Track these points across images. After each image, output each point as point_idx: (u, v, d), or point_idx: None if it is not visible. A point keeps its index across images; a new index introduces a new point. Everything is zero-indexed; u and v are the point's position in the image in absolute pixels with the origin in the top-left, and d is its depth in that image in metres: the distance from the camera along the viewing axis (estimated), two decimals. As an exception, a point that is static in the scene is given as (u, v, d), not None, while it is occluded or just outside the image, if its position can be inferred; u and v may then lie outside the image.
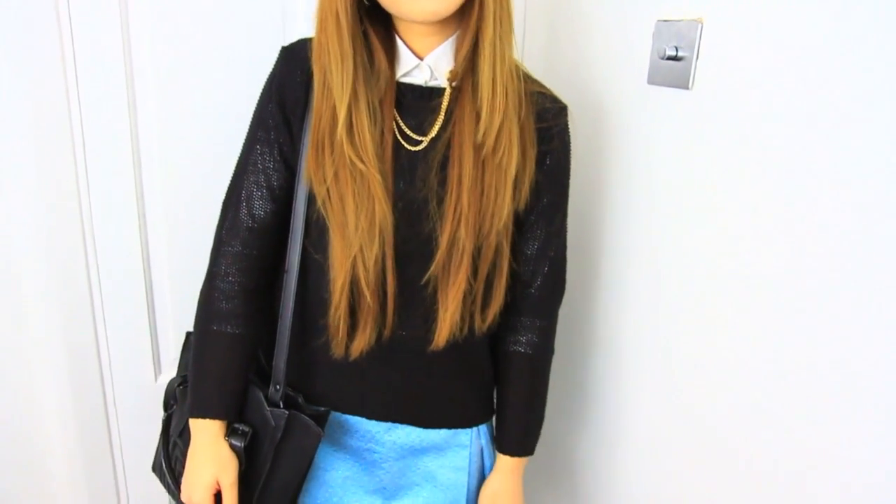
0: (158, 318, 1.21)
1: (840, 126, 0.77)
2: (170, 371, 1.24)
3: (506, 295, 0.98)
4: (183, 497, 0.99)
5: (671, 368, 1.10)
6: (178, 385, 1.06)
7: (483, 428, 1.08)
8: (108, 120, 1.10)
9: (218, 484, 0.96)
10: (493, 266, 0.96)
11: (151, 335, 1.21)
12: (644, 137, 1.07)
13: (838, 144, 0.77)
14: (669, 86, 0.99)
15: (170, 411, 1.08)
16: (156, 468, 1.14)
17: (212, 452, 0.95)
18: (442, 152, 0.92)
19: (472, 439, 1.06)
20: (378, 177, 0.88)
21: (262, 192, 0.95)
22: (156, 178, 1.16)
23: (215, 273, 0.96)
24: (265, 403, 0.97)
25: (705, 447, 1.06)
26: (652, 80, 1.03)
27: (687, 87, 0.96)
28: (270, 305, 1.01)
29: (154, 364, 1.22)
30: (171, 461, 1.06)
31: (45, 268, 1.11)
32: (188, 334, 1.05)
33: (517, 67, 0.93)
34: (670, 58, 0.97)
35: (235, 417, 0.98)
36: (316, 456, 1.02)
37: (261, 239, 0.96)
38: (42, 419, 1.19)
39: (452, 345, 0.96)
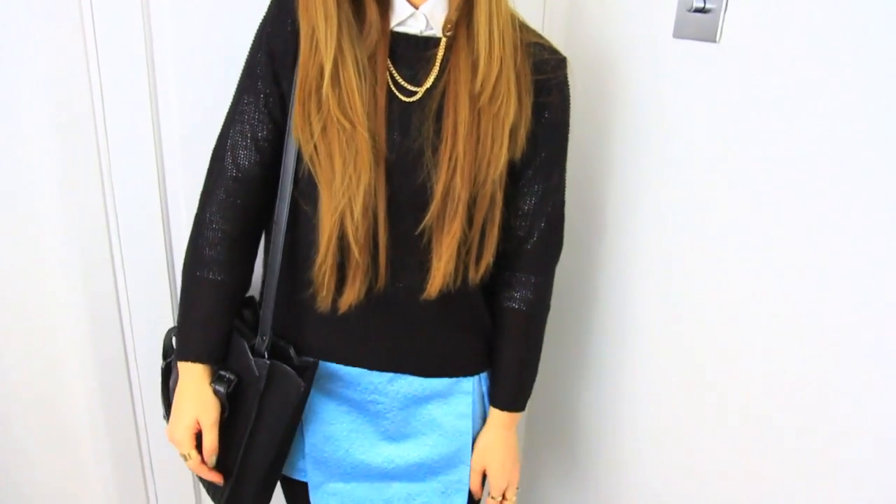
0: (177, 264, 1.22)
1: (876, 82, 0.75)
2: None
3: (498, 246, 0.98)
4: (167, 436, 1.02)
5: (674, 320, 1.10)
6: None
7: (484, 375, 1.10)
8: (125, 50, 1.09)
9: (199, 424, 0.99)
10: (487, 216, 0.95)
11: (170, 281, 1.22)
12: (670, 92, 1.05)
13: (874, 102, 0.75)
14: (696, 39, 0.98)
15: (168, 360, 1.10)
16: (166, 417, 1.16)
17: (194, 394, 0.98)
18: (437, 101, 0.91)
19: (475, 386, 1.08)
20: (365, 135, 0.88)
21: (246, 143, 0.95)
22: (174, 121, 1.15)
23: (201, 220, 0.98)
24: (249, 353, 0.98)
25: (706, 399, 1.06)
26: (678, 34, 1.01)
27: (714, 41, 0.94)
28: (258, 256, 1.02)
29: (173, 310, 1.23)
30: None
31: (63, 216, 1.12)
32: None
33: (513, 16, 0.93)
34: (697, 10, 0.95)
35: (219, 363, 1.00)
36: (321, 410, 1.05)
37: (245, 188, 0.97)
38: (62, 368, 1.21)
39: (446, 295, 0.97)
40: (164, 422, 1.09)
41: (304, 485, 1.11)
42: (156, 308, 1.23)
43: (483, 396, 1.10)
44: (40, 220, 1.12)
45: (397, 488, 1.10)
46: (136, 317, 1.22)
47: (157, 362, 1.12)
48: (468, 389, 1.07)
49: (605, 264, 1.25)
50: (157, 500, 1.37)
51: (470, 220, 0.94)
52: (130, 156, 1.14)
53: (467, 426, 1.08)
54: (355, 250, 0.91)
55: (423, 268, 0.95)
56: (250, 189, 0.97)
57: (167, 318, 1.24)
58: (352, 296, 0.94)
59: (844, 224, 0.80)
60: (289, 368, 0.96)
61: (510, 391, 1.08)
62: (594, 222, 1.26)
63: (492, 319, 1.08)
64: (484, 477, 1.11)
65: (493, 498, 1.11)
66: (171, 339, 1.09)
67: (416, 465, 1.08)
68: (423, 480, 1.10)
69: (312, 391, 1.01)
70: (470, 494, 1.12)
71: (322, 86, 0.87)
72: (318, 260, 0.92)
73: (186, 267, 0.99)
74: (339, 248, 0.91)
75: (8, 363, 1.16)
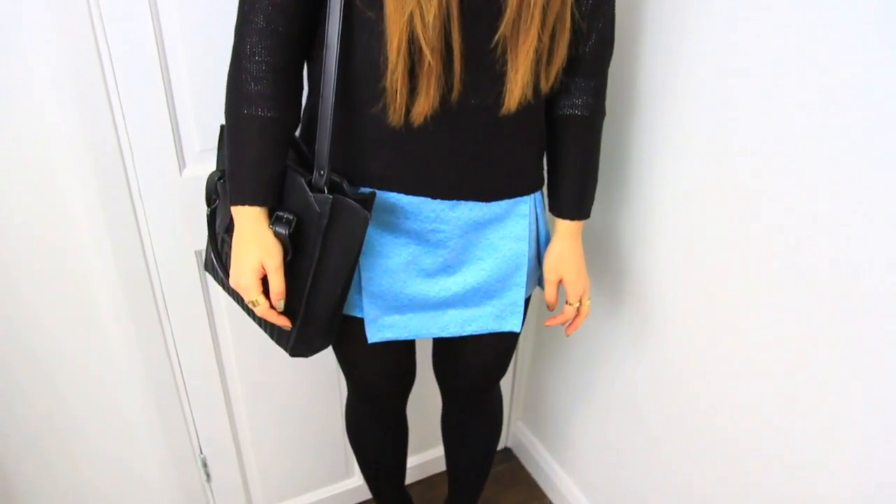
0: (178, 108, 1.18)
1: None
2: (193, 164, 1.24)
3: (568, 50, 0.96)
4: (231, 283, 1.00)
5: (707, 144, 1.10)
6: (218, 179, 1.06)
7: (538, 196, 1.10)
8: None
9: (263, 268, 0.97)
10: (558, 18, 0.92)
11: (173, 127, 1.19)
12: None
13: None
14: None
15: (213, 206, 1.07)
16: (207, 266, 1.15)
17: (256, 237, 0.96)
18: None
19: (531, 207, 1.08)
20: None
21: None
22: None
23: (241, 53, 0.92)
24: (308, 190, 0.95)
25: (735, 215, 1.07)
26: None
27: None
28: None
29: (178, 157, 1.21)
30: (221, 257, 1.08)
31: (58, 65, 1.07)
32: (222, 128, 1.02)
33: None
34: None
35: (275, 203, 0.97)
36: (377, 244, 1.03)
37: (286, 13, 0.91)
38: (70, 223, 1.19)
39: (521, 109, 0.95)
40: (204, 273, 1.04)
41: (359, 321, 1.11)
42: (153, 123, 1.18)
43: (538, 218, 1.11)
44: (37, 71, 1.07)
45: (452, 315, 1.12)
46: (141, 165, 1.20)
47: (159, 185, 1.10)
48: (524, 212, 1.07)
49: (646, 69, 1.23)
50: (175, 346, 1.39)
51: (542, 26, 0.90)
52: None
53: (523, 249, 1.09)
54: (427, 52, 0.86)
55: (498, 83, 0.93)
56: (291, 13, 0.91)
57: (164, 123, 1.18)
58: (426, 104, 0.90)
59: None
60: (352, 202, 0.92)
61: (575, 200, 1.09)
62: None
63: (548, 133, 1.07)
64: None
65: (570, 304, 1.15)
66: (213, 183, 1.06)
67: (472, 291, 1.09)
68: (478, 305, 1.12)
69: (370, 224, 0.98)
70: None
71: None
72: (390, 66, 0.88)
73: (230, 106, 0.95)
74: (409, 53, 0.87)
75: (14, 219, 1.15)
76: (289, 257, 0.97)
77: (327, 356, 1.55)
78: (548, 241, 1.15)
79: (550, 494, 1.91)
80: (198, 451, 1.55)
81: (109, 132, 1.15)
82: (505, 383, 1.77)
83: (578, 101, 1.04)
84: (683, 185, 1.18)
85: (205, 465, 1.57)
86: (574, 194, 1.09)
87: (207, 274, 1.34)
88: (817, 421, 1.03)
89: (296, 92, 0.98)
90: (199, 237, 1.28)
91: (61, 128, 1.12)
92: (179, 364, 1.41)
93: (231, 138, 0.96)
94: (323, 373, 1.60)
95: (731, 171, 1.07)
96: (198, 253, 1.31)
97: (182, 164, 1.23)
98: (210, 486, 1.62)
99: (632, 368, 1.44)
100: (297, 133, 1.05)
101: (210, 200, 1.09)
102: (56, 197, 1.17)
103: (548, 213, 1.15)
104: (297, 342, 1.03)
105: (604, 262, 1.43)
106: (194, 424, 1.50)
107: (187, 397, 1.45)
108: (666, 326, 1.30)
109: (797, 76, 0.93)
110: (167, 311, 1.34)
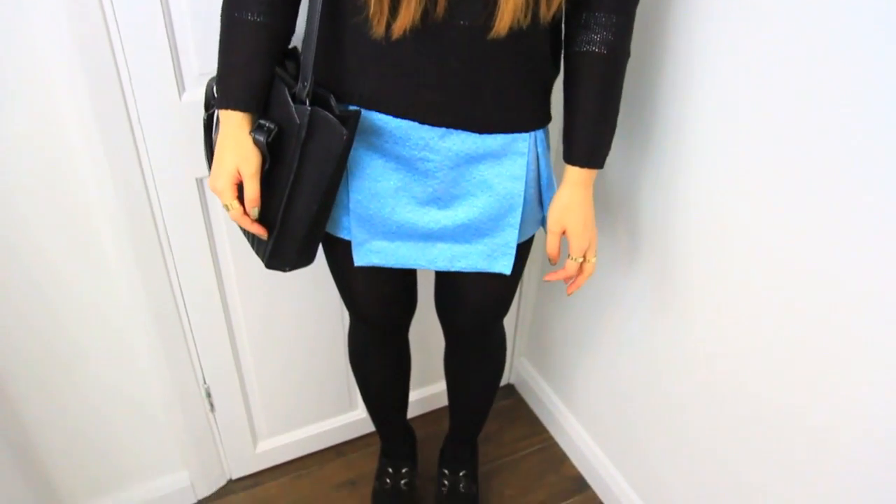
0: (177, 30, 1.14)
1: None
2: (193, 89, 1.20)
3: None
4: (209, 185, 1.00)
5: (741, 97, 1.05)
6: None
7: (540, 135, 1.04)
8: None
9: (239, 174, 0.96)
10: None
11: (171, 51, 1.15)
12: None
13: None
14: None
15: (210, 111, 1.06)
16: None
17: (235, 143, 0.96)
18: None
19: (530, 146, 1.03)
20: None
21: None
22: None
23: None
24: (290, 100, 0.94)
25: (764, 176, 1.03)
26: None
27: None
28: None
29: (177, 81, 1.17)
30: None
31: None
32: None
33: None
34: None
35: (259, 110, 0.97)
36: (367, 166, 1.01)
37: None
38: (69, 150, 1.16)
39: (514, 34, 0.90)
40: (205, 200, 1.03)
41: (347, 243, 1.10)
42: (152, 47, 1.14)
43: (539, 158, 1.05)
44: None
45: (441, 248, 1.10)
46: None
47: (159, 109, 1.08)
48: (523, 150, 1.02)
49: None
50: (177, 274, 1.38)
51: None
52: None
53: (519, 189, 1.04)
54: None
55: (490, 3, 0.88)
56: None
57: (163, 47, 1.14)
58: (406, 18, 0.87)
59: None
60: (330, 116, 0.91)
61: (588, 146, 1.02)
62: None
63: (565, 69, 1.02)
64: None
65: (573, 259, 1.08)
66: (212, 88, 1.04)
67: (463, 227, 1.07)
68: (469, 242, 1.09)
69: (359, 146, 0.98)
70: (517, 265, 1.11)
71: None
72: None
73: (224, 9, 0.95)
74: None
75: (13, 146, 1.12)
76: (266, 166, 0.98)
77: (331, 289, 1.54)
78: (550, 184, 1.10)
79: (552, 430, 1.93)
80: (202, 382, 1.55)
81: (107, 56, 1.11)
82: (508, 320, 1.77)
83: (597, 38, 0.96)
84: (715, 134, 1.12)
85: (208, 395, 1.58)
86: (586, 140, 1.01)
87: (209, 202, 1.32)
88: (841, 389, 1.01)
89: (291, 0, 0.97)
90: (200, 164, 1.25)
91: (58, 52, 1.08)
92: (181, 292, 1.40)
93: (222, 42, 0.96)
94: (326, 305, 1.60)
95: (767, 116, 1.01)
96: (198, 180, 1.29)
97: (181, 89, 1.19)
98: (214, 417, 1.63)
99: (645, 310, 1.42)
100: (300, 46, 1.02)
101: (208, 105, 1.07)
102: (54, 123, 1.14)
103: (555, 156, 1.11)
104: (273, 254, 1.04)
105: (620, 213, 1.39)
106: (197, 354, 1.50)
107: (190, 326, 1.45)
108: (687, 280, 1.27)
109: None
110: (168, 239, 1.32)
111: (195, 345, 1.49)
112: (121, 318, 1.38)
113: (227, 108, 0.96)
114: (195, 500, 1.72)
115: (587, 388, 1.73)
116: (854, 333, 0.96)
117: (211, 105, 1.05)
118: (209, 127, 1.06)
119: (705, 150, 1.14)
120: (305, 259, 1.06)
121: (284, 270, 1.06)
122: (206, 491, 1.73)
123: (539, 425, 1.97)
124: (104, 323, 1.36)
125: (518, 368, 2.07)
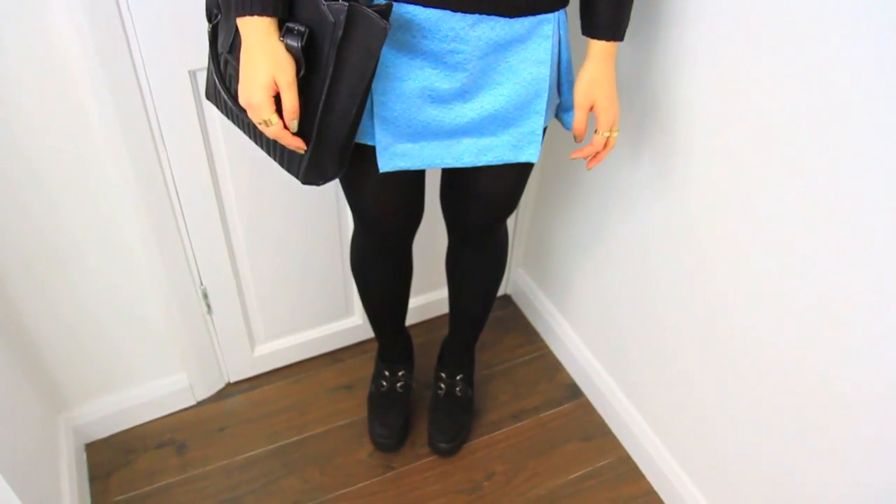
0: None
1: None
2: None
3: None
4: (242, 101, 0.93)
5: None
6: None
7: (561, 15, 1.02)
8: None
9: (276, 85, 0.90)
10: None
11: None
12: None
13: None
14: None
15: (214, 22, 0.99)
16: (209, 93, 1.08)
17: (266, 51, 0.88)
18: None
19: (554, 28, 1.01)
20: None
21: None
22: None
23: None
24: None
25: (781, 58, 1.00)
26: None
27: None
28: None
29: None
30: (225, 79, 1.00)
31: None
32: None
33: None
34: None
35: (285, 13, 0.89)
36: (391, 65, 0.96)
37: None
38: (56, 36, 1.11)
39: None
40: (199, 94, 0.97)
41: (370, 149, 1.06)
42: None
43: (561, 40, 1.04)
44: None
45: (467, 144, 1.08)
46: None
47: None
48: (548, 33, 1.00)
49: None
50: (171, 170, 1.35)
51: None
52: None
53: (545, 73, 1.03)
54: None
55: None
56: None
57: None
58: None
59: None
60: (369, 10, 0.84)
61: (611, 19, 1.03)
62: None
63: None
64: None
65: (599, 133, 1.10)
66: None
67: (488, 118, 1.04)
68: (494, 134, 1.07)
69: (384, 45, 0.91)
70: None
71: None
72: None
73: None
74: None
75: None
76: (301, 73, 0.91)
77: (328, 194, 1.52)
78: (569, 66, 1.09)
79: (547, 339, 1.95)
80: (198, 283, 1.55)
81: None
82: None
83: None
84: (724, 19, 1.09)
85: (205, 296, 1.58)
86: (609, 13, 1.02)
87: (201, 96, 1.28)
88: (834, 299, 1.01)
89: None
90: (193, 55, 1.21)
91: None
92: (176, 189, 1.37)
93: None
94: (322, 207, 1.58)
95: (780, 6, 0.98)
96: (191, 73, 1.24)
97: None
98: (211, 319, 1.63)
99: (644, 212, 1.41)
100: None
101: (211, 16, 1.00)
102: (40, 5, 1.09)
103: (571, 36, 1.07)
104: (309, 167, 0.99)
105: (628, 98, 1.36)
106: (193, 254, 1.49)
107: (185, 225, 1.43)
108: (688, 168, 1.25)
109: None
110: (161, 134, 1.29)
111: (191, 244, 1.47)
112: (115, 210, 1.35)
113: (250, 13, 0.86)
114: (194, 402, 1.74)
115: (583, 298, 1.73)
116: (859, 225, 0.95)
117: (214, 15, 0.98)
118: (214, 41, 0.99)
119: (716, 33, 1.11)
120: (340, 169, 1.01)
121: (319, 184, 1.02)
122: (204, 393, 1.75)
123: (535, 335, 1.98)
124: (97, 213, 1.34)
125: (515, 279, 2.07)
